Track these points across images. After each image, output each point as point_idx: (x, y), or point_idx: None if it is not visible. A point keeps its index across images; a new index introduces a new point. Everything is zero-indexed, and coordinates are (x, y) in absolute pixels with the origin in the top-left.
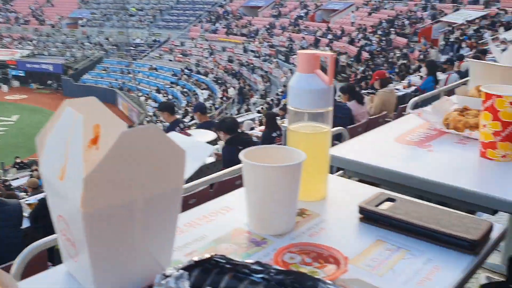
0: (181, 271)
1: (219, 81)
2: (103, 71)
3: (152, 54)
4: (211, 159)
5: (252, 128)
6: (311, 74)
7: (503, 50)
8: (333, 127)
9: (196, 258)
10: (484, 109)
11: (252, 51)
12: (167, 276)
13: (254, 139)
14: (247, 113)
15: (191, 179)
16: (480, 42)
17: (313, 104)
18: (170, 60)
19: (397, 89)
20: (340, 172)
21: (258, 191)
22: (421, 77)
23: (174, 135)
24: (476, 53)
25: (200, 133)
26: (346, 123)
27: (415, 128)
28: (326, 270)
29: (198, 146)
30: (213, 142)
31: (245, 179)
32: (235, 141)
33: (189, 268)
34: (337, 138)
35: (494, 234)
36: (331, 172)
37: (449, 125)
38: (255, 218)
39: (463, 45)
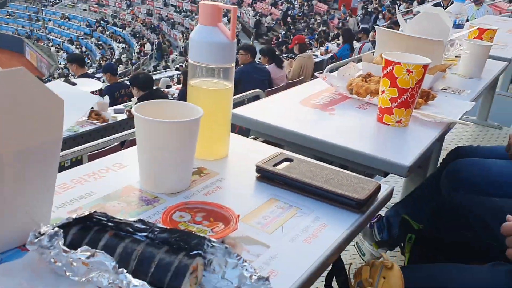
0: (56, 228)
1: (137, 35)
2: (8, 16)
3: (64, 2)
4: (123, 116)
5: (169, 86)
6: (213, 27)
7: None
8: (251, 89)
9: (74, 216)
10: (384, 75)
11: (173, 5)
12: (41, 234)
13: (170, 97)
14: (165, 70)
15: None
16: (395, 13)
17: (214, 59)
18: (85, 10)
19: (315, 55)
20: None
21: (150, 147)
22: (338, 44)
23: (55, 84)
24: (390, 24)
25: (84, 83)
26: (265, 86)
27: (321, 92)
28: (216, 228)
29: (81, 96)
30: (96, 92)
31: (137, 135)
32: (149, 99)
33: (67, 226)
34: (254, 100)
35: (382, 194)
36: (240, 133)
37: (352, 90)
38: (147, 176)
39: (380, 16)
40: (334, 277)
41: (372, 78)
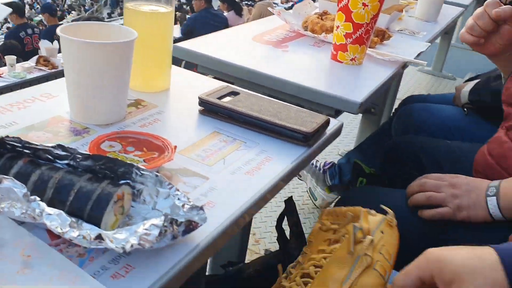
0: None
1: None
2: None
3: None
4: None
5: None
6: None
7: None
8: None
9: None
10: (339, 9)
11: None
12: None
13: None
14: (120, 17)
15: None
16: None
17: None
18: None
19: (275, 3)
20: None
21: (78, 72)
22: None
23: None
24: None
25: None
26: None
27: (275, 29)
28: (149, 159)
29: None
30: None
31: (64, 59)
32: None
33: None
34: None
35: (331, 129)
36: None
37: (307, 28)
38: (76, 105)
39: None
40: (286, 218)
41: (328, 16)
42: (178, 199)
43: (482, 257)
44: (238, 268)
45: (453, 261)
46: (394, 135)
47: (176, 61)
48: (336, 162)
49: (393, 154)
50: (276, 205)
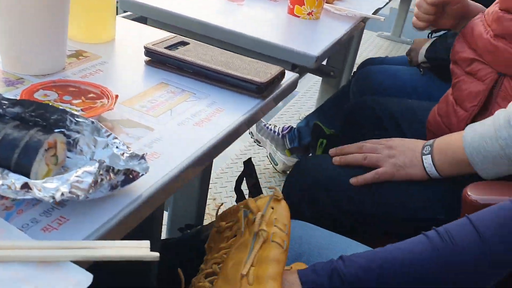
0: None
1: None
2: None
3: None
4: None
5: None
6: None
7: None
8: None
9: None
10: None
11: None
12: None
13: None
14: None
15: None
16: None
17: None
18: None
19: None
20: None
21: (7, 16)
22: None
23: None
24: None
25: None
26: None
27: None
28: (87, 108)
29: None
30: None
31: None
32: None
33: None
34: None
35: (286, 81)
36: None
37: None
38: (8, 53)
39: None
40: (245, 180)
41: None
42: (117, 147)
43: (289, 280)
44: (196, 231)
45: None
46: (352, 92)
47: None
48: (294, 126)
49: (352, 116)
50: (237, 170)
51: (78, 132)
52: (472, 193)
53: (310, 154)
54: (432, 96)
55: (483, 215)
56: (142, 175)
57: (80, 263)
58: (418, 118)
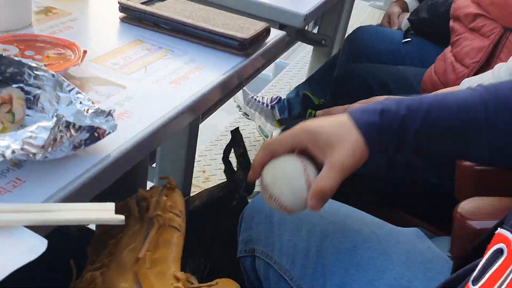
0: None
1: None
2: None
3: None
4: None
5: None
6: None
7: None
8: None
9: None
10: None
11: None
12: None
13: None
14: None
15: None
16: None
17: None
18: None
19: None
20: None
21: None
22: None
23: None
24: None
25: None
26: None
27: None
28: (51, 63)
29: None
30: None
31: None
32: None
33: None
34: None
35: (273, 39)
36: None
37: None
38: None
39: None
40: (233, 149)
41: None
42: (80, 103)
43: (342, 123)
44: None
45: (323, 132)
46: (341, 60)
47: None
48: (282, 97)
49: (342, 85)
50: (226, 143)
51: (38, 87)
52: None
53: None
54: (425, 61)
55: None
56: (109, 133)
57: (37, 228)
58: (411, 86)
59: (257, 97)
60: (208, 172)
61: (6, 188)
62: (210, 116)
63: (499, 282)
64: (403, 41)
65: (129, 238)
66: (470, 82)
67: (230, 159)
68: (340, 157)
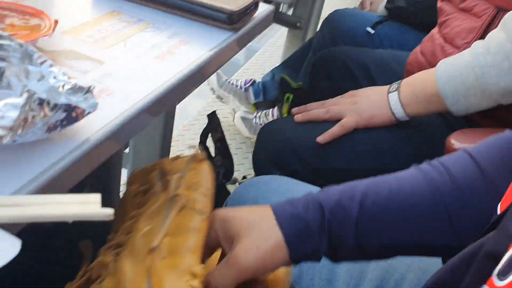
0: None
1: None
2: None
3: None
4: None
5: None
6: None
7: None
8: None
9: None
10: None
11: None
12: None
13: None
14: None
15: None
16: None
17: None
18: None
19: None
20: None
21: None
22: None
23: None
24: None
25: None
26: None
27: None
28: (16, 33)
29: None
30: None
31: None
32: None
33: None
34: None
35: (260, 14)
36: None
37: None
38: None
39: None
40: (210, 134)
41: None
42: (54, 77)
43: (260, 212)
44: None
45: (235, 219)
46: (318, 43)
47: None
48: (256, 80)
49: (320, 68)
50: (200, 128)
51: (3, 59)
52: (456, 141)
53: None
54: (405, 45)
55: (481, 148)
56: (89, 113)
57: (6, 226)
58: (392, 69)
59: (231, 79)
60: None
61: None
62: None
63: None
64: (374, 23)
65: (147, 217)
66: (447, 62)
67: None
68: (239, 250)
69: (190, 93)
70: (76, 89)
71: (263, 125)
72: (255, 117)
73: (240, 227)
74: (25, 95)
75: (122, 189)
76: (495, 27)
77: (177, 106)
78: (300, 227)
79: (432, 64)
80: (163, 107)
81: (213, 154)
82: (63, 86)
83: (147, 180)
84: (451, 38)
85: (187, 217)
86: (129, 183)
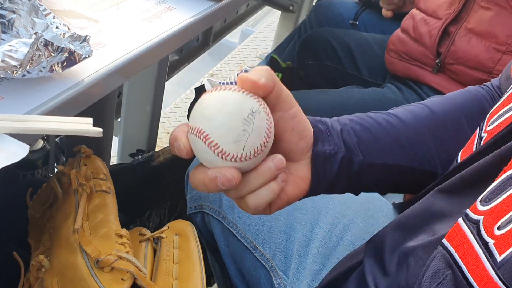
0: None
1: None
2: None
3: None
4: None
5: None
6: None
7: None
8: None
9: None
10: None
11: None
12: None
13: None
14: None
15: None
16: None
17: None
18: None
19: None
20: None
21: None
22: None
23: None
24: None
25: None
26: None
27: None
28: None
29: None
30: None
31: None
32: None
33: None
34: None
35: None
36: None
37: None
38: None
39: None
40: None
41: None
42: (57, 27)
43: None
44: (147, 156)
45: None
46: (304, 30)
47: None
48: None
49: (309, 45)
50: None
51: (13, 11)
52: None
53: None
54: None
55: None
56: (85, 57)
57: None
58: (373, 51)
59: (225, 80)
60: None
61: None
62: (173, 77)
63: None
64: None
65: (62, 215)
66: None
67: None
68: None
69: (171, 51)
70: (75, 38)
71: None
72: None
73: None
74: (34, 36)
75: (114, 155)
76: None
77: (169, 84)
78: (323, 127)
79: (415, 38)
80: (147, 61)
81: None
82: (64, 35)
83: (48, 195)
84: (432, 11)
85: (97, 199)
86: (32, 207)
